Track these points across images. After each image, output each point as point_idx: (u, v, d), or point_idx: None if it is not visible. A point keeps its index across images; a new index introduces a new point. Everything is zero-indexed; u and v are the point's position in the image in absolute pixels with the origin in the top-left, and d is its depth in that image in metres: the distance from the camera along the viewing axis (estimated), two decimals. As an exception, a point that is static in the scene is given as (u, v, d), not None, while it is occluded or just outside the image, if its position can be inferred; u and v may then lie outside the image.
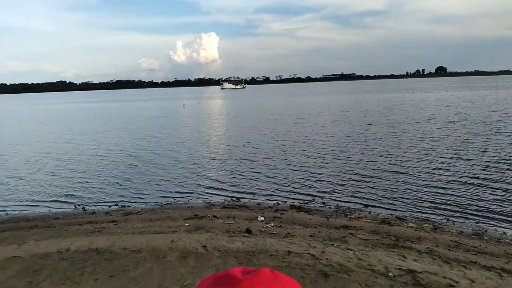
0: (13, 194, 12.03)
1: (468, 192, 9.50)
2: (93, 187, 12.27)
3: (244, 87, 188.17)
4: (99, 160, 16.69)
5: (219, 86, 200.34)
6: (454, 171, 11.59)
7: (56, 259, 6.02)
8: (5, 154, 19.88)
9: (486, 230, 7.08)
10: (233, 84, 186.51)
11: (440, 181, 10.62)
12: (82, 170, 14.94)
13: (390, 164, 13.11)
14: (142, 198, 10.83)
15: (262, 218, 7.93)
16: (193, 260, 5.64)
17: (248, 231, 6.95)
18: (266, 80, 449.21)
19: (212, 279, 0.61)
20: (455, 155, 13.74)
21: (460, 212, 8.21)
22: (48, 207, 10.54)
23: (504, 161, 12.49)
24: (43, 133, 28.95)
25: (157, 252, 6.01)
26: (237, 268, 0.62)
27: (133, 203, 10.36)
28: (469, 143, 15.93)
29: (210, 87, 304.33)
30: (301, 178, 11.91)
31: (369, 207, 8.85)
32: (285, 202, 9.57)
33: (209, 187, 11.56)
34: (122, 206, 10.09)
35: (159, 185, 12.17)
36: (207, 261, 5.59)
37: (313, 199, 9.80)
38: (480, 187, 9.82)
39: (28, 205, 10.81)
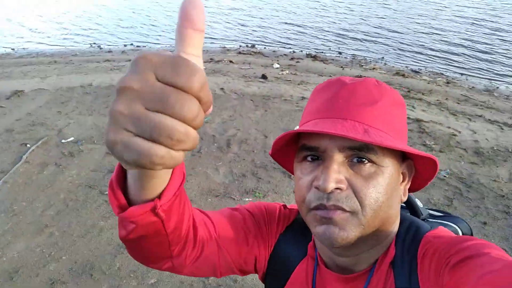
0: (28, 31, 11.96)
1: (486, 49, 9.27)
2: (107, 28, 12.08)
3: None
4: (113, 2, 16.02)
5: None
6: (476, 28, 11.10)
7: (80, 93, 6.35)
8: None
9: (498, 87, 7.16)
10: None
11: (460, 37, 10.27)
12: (103, 9, 14.48)
13: (410, 18, 12.51)
14: (157, 40, 10.76)
15: (278, 65, 8.00)
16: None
17: (264, 77, 7.09)
18: None
19: (326, 82, 0.70)
20: (478, 11, 12.96)
21: (476, 68, 8.17)
22: (63, 45, 10.59)
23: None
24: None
25: (176, 91, 6.27)
26: (347, 77, 0.69)
27: (148, 43, 10.35)
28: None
29: None
30: (318, 28, 11.53)
31: (385, 59, 8.79)
32: (301, 51, 9.48)
33: (224, 33, 11.33)
34: (137, 46, 10.10)
35: (172, 27, 11.92)
36: (225, 102, 5.88)
37: (329, 48, 9.68)
38: (499, 45, 9.54)
39: (43, 43, 10.84)
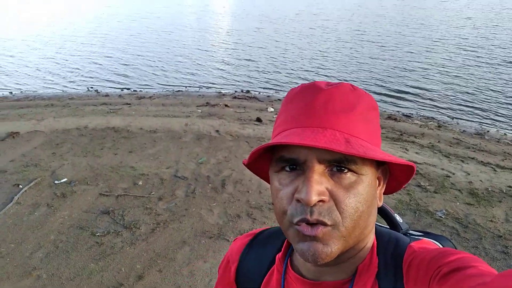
0: (27, 75, 12.19)
1: (477, 94, 9.53)
2: (105, 72, 12.35)
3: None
4: (111, 46, 16.49)
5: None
6: (467, 73, 11.46)
7: (76, 135, 6.37)
8: (14, 35, 19.55)
9: (488, 131, 7.30)
10: None
11: (451, 82, 10.58)
12: (94, 54, 14.87)
13: (405, 61, 12.93)
14: (153, 85, 10.98)
15: (272, 109, 8.13)
16: (207, 142, 5.96)
17: (259, 119, 7.19)
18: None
19: (300, 87, 0.67)
20: (469, 57, 13.44)
21: (466, 112, 8.36)
22: (61, 88, 10.77)
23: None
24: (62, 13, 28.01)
25: (172, 133, 6.33)
26: (322, 81, 0.67)
27: (145, 88, 10.55)
28: (488, 43, 15.42)
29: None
30: (312, 72, 11.87)
31: (378, 102, 8.98)
32: (295, 95, 9.68)
33: (220, 78, 11.61)
34: (134, 91, 10.27)
35: (170, 73, 12.21)
36: (220, 143, 5.91)
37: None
38: (489, 90, 9.82)
39: (41, 86, 11.03)
